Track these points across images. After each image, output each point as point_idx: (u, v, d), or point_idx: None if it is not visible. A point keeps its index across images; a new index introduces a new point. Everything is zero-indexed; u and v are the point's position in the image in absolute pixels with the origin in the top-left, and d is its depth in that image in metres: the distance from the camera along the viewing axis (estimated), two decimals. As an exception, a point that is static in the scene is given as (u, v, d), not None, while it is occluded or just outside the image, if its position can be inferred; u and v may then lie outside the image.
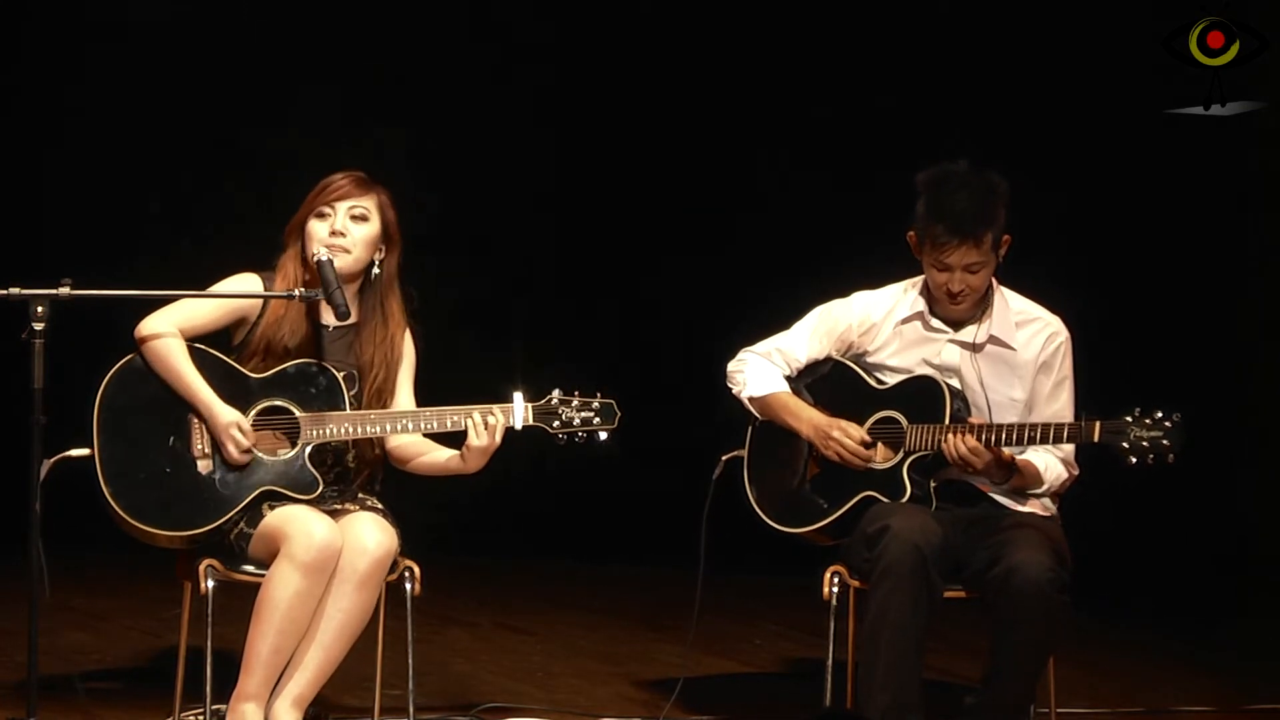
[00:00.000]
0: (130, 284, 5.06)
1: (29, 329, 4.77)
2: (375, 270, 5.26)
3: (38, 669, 4.83)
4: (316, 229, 5.19)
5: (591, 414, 5.22)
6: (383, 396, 5.26)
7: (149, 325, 5.12)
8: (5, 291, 4.80)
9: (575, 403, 5.21)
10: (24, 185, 8.25)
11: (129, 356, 5.14)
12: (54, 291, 4.81)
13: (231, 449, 5.07)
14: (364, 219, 5.22)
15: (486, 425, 5.12)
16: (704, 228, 8.75)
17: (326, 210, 5.20)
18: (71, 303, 4.82)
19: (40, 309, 4.76)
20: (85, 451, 5.06)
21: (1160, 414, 5.02)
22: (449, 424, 5.15)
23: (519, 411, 5.17)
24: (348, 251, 5.19)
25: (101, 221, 8.17)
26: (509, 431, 5.16)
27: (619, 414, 5.24)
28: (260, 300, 5.18)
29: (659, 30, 8.62)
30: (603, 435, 5.23)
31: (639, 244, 8.79)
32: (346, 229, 5.19)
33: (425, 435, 5.26)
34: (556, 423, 5.20)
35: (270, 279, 5.22)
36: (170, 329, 5.12)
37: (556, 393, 5.21)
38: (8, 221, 8.10)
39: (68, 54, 8.27)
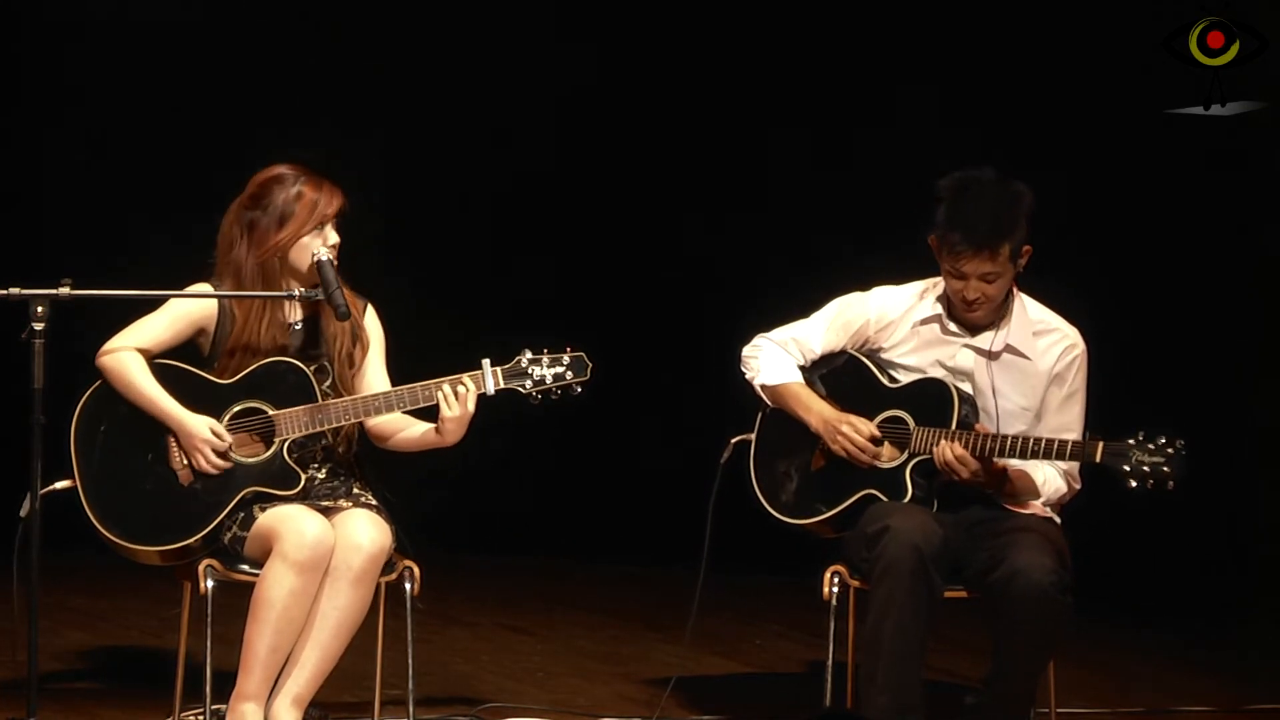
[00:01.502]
0: (129, 284, 5.06)
1: (29, 329, 4.77)
2: None
3: (38, 669, 4.83)
4: (312, 242, 5.18)
5: (563, 369, 5.19)
6: (354, 366, 5.25)
7: (107, 348, 5.13)
8: (5, 291, 4.80)
9: (545, 360, 5.19)
10: (24, 185, 8.24)
11: (97, 383, 5.12)
12: (54, 291, 4.81)
13: (201, 460, 5.07)
14: (336, 225, 5.24)
15: (457, 395, 5.13)
16: (703, 216, 8.75)
17: (322, 223, 5.20)
18: (71, 302, 4.82)
19: (40, 309, 4.77)
20: (68, 484, 5.04)
21: (1164, 439, 4.99)
22: (420, 399, 5.15)
23: (489, 377, 5.17)
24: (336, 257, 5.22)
25: (102, 221, 8.16)
26: (483, 399, 5.15)
27: (590, 365, 5.21)
28: (216, 308, 5.17)
29: (667, 11, 8.61)
30: (577, 390, 5.21)
31: (637, 238, 8.78)
32: (336, 239, 5.21)
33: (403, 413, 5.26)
34: (528, 383, 5.17)
35: (220, 286, 5.20)
36: (128, 348, 5.11)
37: (525, 352, 5.20)
38: (8, 221, 8.09)
39: (67, 54, 8.26)
